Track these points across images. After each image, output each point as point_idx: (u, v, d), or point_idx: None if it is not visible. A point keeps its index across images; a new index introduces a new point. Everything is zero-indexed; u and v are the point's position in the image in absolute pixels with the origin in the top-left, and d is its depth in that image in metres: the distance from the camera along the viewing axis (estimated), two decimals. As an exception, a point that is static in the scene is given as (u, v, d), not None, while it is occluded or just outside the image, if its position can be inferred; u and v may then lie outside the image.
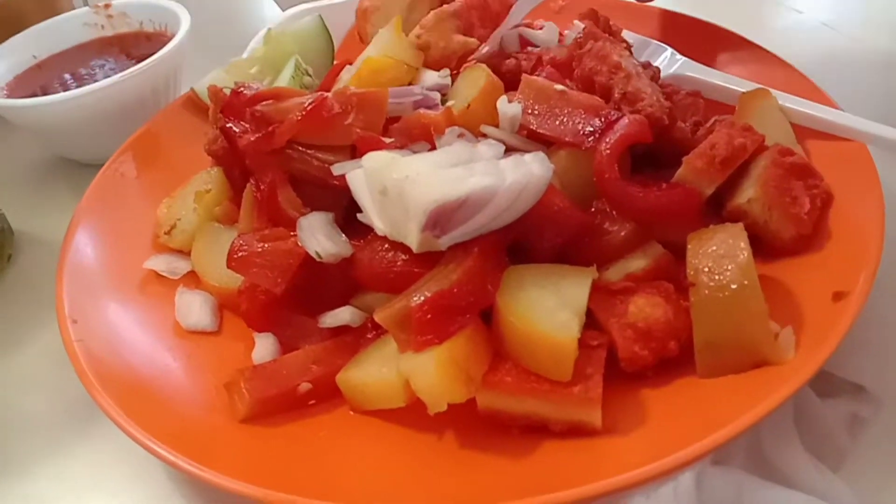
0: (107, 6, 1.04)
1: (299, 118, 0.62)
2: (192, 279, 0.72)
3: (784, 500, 0.50)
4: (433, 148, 0.64)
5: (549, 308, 0.53)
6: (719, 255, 0.53)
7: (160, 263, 0.73)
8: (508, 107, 0.64)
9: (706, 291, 0.52)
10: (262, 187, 0.66)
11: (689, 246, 0.55)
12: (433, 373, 0.51)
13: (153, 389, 0.61)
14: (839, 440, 0.55)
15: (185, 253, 0.74)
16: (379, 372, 0.55)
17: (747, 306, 0.52)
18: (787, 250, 0.59)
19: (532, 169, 0.57)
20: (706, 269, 0.53)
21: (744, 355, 0.52)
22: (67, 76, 0.99)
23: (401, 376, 0.53)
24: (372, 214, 0.59)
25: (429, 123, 0.64)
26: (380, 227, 0.58)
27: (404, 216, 0.55)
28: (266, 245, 0.62)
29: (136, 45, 1.03)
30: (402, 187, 0.55)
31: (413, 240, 0.55)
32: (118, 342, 0.64)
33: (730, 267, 0.52)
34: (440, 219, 0.54)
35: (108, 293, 0.69)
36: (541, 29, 0.81)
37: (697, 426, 0.48)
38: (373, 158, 0.58)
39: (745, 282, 0.52)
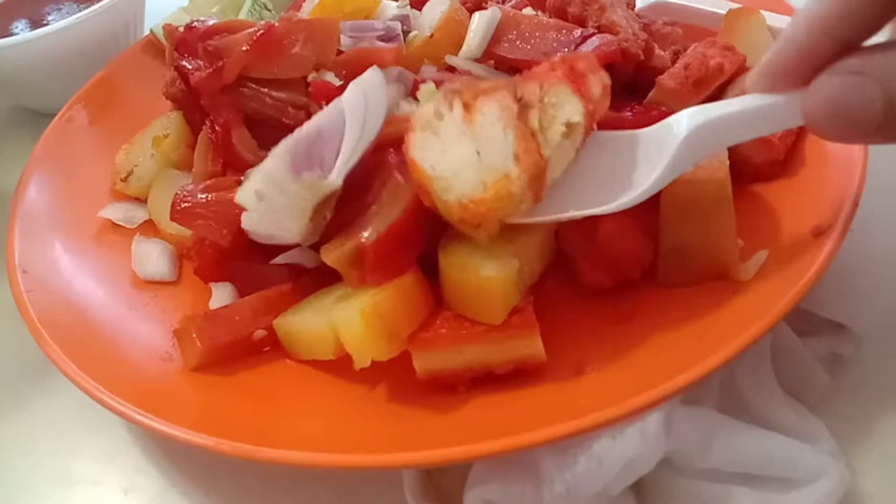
0: (63, -53, 0.99)
1: (246, 49, 0.58)
2: (150, 228, 0.69)
3: (757, 440, 0.48)
4: None
5: (487, 253, 0.50)
6: (696, 168, 0.51)
7: (116, 212, 0.70)
8: (482, 15, 0.61)
9: (681, 199, 0.51)
10: (216, 128, 0.63)
11: None
12: (358, 325, 0.48)
13: (106, 340, 0.58)
14: (818, 379, 0.53)
15: (142, 201, 0.71)
16: (311, 321, 0.52)
17: (719, 218, 0.51)
18: (761, 176, 0.56)
19: (360, 77, 0.54)
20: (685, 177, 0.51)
21: (707, 265, 0.52)
22: (24, 22, 0.94)
23: (332, 327, 0.50)
24: (273, 229, 0.53)
25: (370, 60, 0.59)
26: (276, 234, 0.53)
27: (278, 186, 0.50)
28: (210, 196, 0.58)
29: (95, -12, 0.98)
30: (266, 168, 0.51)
31: (297, 187, 0.50)
32: (71, 293, 0.62)
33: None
34: (306, 158, 0.50)
35: (62, 243, 0.67)
36: None
37: (665, 365, 0.45)
38: (242, 191, 0.51)
39: (721, 194, 0.51)
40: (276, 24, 0.60)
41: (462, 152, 0.45)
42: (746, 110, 0.45)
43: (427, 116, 0.46)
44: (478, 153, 0.45)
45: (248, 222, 0.52)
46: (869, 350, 0.54)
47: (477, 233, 0.48)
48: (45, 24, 0.92)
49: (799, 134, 0.57)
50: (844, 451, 0.48)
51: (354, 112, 0.52)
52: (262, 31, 0.59)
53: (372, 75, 0.54)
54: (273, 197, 0.50)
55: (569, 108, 0.47)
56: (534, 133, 0.46)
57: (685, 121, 0.47)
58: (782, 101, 0.44)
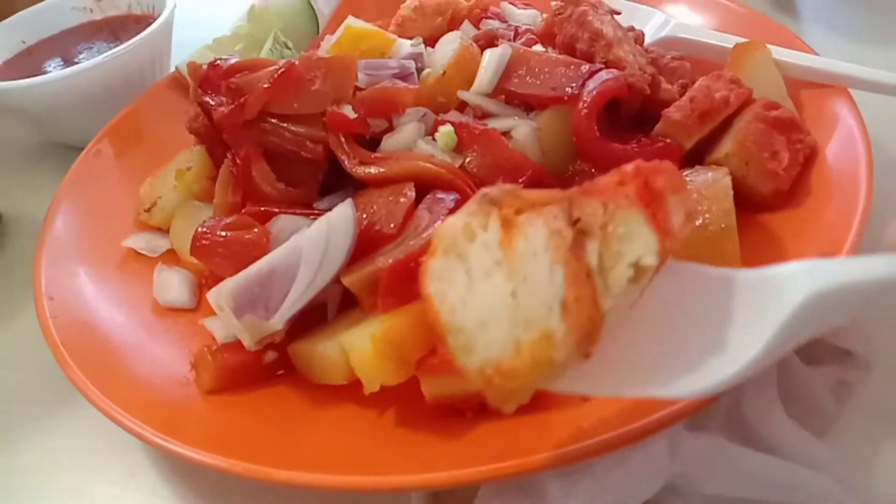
0: (95, -10, 1.04)
1: (268, 86, 0.61)
2: (172, 257, 0.71)
3: (762, 466, 0.48)
4: (390, 126, 0.63)
5: None
6: (702, 196, 0.52)
7: (140, 241, 0.72)
8: (493, 52, 0.63)
9: None
10: (237, 162, 0.66)
11: None
12: (368, 351, 0.49)
13: (127, 364, 0.60)
14: (825, 406, 0.53)
15: (165, 231, 0.73)
16: (324, 346, 0.53)
17: (724, 247, 0.51)
18: (767, 206, 0.57)
19: (330, 215, 0.56)
20: None
21: None
22: (58, 60, 0.99)
23: (343, 352, 0.52)
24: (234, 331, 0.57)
25: (391, 100, 0.62)
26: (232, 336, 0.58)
27: (225, 318, 0.55)
28: (229, 234, 0.59)
29: (124, 29, 1.02)
30: (217, 294, 0.55)
31: (241, 328, 0.54)
32: (94, 319, 0.64)
33: (713, 208, 0.52)
34: (251, 299, 0.54)
35: (87, 271, 0.69)
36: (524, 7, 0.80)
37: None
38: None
39: (723, 225, 0.51)
40: (297, 63, 0.62)
41: (492, 291, 0.34)
42: (888, 279, 0.34)
43: (453, 234, 0.34)
44: (513, 294, 0.34)
45: (210, 325, 0.59)
46: (876, 377, 0.54)
47: (502, 407, 0.36)
48: (76, 63, 0.97)
49: (805, 163, 0.58)
50: (851, 477, 0.48)
51: (311, 255, 0.53)
52: (283, 69, 0.61)
53: (342, 213, 0.55)
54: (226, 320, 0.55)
55: (640, 244, 0.36)
56: (590, 274, 0.35)
57: (804, 280, 0.34)
58: None
